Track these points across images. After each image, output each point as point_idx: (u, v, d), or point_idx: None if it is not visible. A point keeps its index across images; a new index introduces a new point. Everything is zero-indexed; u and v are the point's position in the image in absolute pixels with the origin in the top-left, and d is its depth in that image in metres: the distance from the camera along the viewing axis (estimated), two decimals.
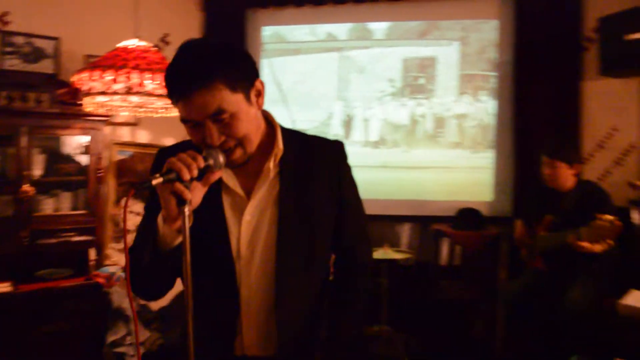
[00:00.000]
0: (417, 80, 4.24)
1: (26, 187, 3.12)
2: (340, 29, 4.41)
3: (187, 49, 1.24)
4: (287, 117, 4.43)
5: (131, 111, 3.23)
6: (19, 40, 3.49)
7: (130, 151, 4.02)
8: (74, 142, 3.49)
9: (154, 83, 2.93)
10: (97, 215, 3.43)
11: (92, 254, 3.67)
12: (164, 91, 3.02)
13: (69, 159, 3.50)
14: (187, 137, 1.31)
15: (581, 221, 2.95)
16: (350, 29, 4.39)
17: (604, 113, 3.75)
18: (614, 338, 2.75)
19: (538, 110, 3.91)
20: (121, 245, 3.97)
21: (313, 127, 4.42)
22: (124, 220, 1.12)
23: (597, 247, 2.82)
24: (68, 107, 3.32)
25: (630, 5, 3.41)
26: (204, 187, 1.23)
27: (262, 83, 1.31)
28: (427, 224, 4.20)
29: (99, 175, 3.43)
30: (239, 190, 1.35)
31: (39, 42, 3.56)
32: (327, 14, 4.35)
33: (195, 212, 1.20)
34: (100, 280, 3.34)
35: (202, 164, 1.18)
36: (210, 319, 1.34)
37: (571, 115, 3.81)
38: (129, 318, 3.51)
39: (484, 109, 4.18)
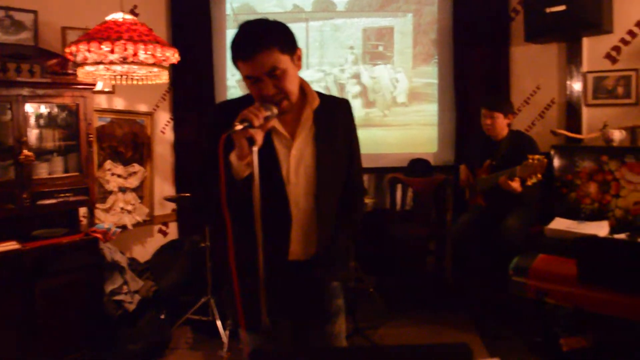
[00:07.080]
0: (376, 48, 4.65)
1: (27, 152, 3.34)
2: (306, 2, 4.65)
3: (249, 24, 1.68)
4: None
5: (113, 80, 3.47)
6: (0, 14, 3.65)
7: (108, 117, 4.26)
8: (65, 110, 3.70)
9: (146, 53, 3.24)
10: (89, 176, 3.70)
11: (84, 212, 3.94)
12: (154, 60, 3.35)
13: (60, 125, 3.71)
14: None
15: (514, 163, 3.58)
16: (314, 1, 4.65)
17: (529, 74, 4.26)
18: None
19: (474, 72, 4.39)
20: (106, 205, 4.25)
21: None
22: (220, 158, 1.55)
23: (518, 187, 3.49)
24: (58, 76, 3.54)
25: None
26: (262, 132, 1.62)
27: (300, 50, 1.75)
28: (382, 175, 4.65)
29: (90, 139, 3.69)
30: (285, 133, 1.76)
31: (17, 16, 3.72)
32: None
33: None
34: (98, 235, 3.63)
35: (265, 114, 1.60)
36: (269, 232, 1.59)
37: (502, 76, 4.31)
38: (124, 269, 3.85)
39: (431, 72, 4.66)
